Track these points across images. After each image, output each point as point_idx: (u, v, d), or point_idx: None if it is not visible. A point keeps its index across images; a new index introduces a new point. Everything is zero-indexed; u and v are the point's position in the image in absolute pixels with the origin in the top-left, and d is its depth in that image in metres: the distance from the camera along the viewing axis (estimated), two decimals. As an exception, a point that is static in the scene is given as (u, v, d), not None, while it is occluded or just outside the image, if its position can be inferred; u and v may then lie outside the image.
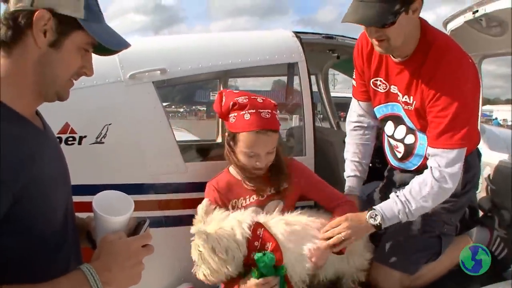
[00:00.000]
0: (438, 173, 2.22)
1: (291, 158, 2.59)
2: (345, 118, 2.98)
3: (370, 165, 4.21)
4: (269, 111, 2.33)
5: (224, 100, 2.40)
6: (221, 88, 4.30)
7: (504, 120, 37.92)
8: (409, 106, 2.37)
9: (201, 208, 2.23)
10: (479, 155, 2.63)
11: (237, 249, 2.13)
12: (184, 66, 2.70)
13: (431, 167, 2.26)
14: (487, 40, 3.26)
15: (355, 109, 2.77)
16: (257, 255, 2.13)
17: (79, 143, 2.45)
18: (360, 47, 2.55)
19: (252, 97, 2.38)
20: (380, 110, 2.56)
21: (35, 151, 1.34)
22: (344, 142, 3.87)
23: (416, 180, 2.29)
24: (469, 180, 2.51)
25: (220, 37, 3.20)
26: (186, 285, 2.61)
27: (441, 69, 2.20)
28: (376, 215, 2.28)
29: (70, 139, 2.44)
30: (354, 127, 2.77)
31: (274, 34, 3.16)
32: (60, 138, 2.40)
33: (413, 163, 2.53)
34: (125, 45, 1.52)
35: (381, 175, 2.94)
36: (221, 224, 2.15)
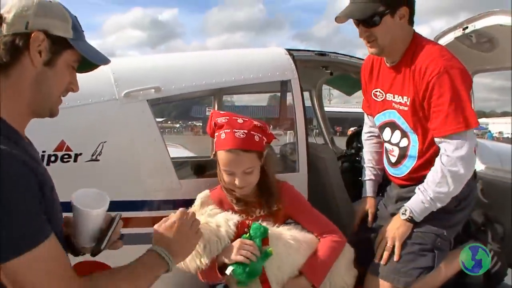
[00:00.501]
0: (445, 158, 2.34)
1: (283, 182, 2.60)
2: (341, 132, 3.08)
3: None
4: (245, 131, 2.37)
5: (212, 120, 2.49)
6: (216, 105, 4.33)
7: (500, 132, 38.08)
8: (403, 107, 2.50)
9: (199, 198, 2.30)
10: (475, 174, 2.67)
11: (217, 243, 2.18)
12: (178, 84, 2.74)
13: (440, 155, 2.38)
14: (478, 56, 3.31)
15: (366, 121, 3.00)
16: (254, 223, 2.26)
17: (75, 160, 2.47)
18: (364, 67, 2.80)
19: (233, 117, 2.45)
20: (379, 118, 2.69)
21: (39, 164, 1.47)
22: (338, 158, 3.91)
23: (430, 170, 2.42)
24: (464, 197, 2.54)
25: (214, 55, 3.24)
26: (181, 301, 2.61)
27: (428, 62, 2.35)
28: (405, 210, 2.47)
29: (66, 156, 2.46)
30: (368, 137, 3.00)
31: (267, 51, 3.20)
32: (56, 155, 2.43)
33: (406, 166, 2.59)
34: (107, 61, 1.66)
35: (378, 191, 2.99)
36: (208, 219, 2.20)
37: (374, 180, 2.91)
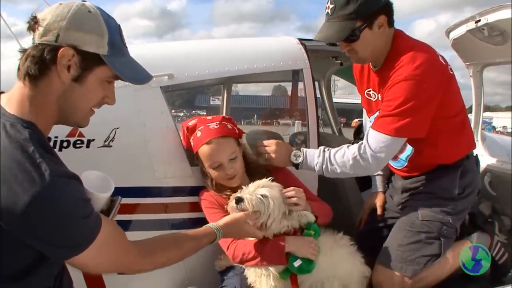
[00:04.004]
0: (363, 148, 2.38)
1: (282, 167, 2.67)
2: (345, 124, 3.09)
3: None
4: (218, 122, 2.51)
5: (184, 132, 2.59)
6: (225, 93, 4.33)
7: (504, 127, 38.02)
8: None
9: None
10: (477, 161, 2.69)
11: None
12: (191, 72, 2.73)
13: (362, 142, 2.40)
14: (489, 49, 3.30)
15: (366, 117, 2.97)
16: (311, 223, 2.34)
17: (87, 146, 2.47)
18: (354, 67, 2.84)
19: (201, 117, 2.58)
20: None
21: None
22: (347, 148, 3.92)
23: (348, 147, 2.44)
24: (467, 184, 2.57)
25: (226, 44, 3.23)
26: (191, 288, 2.64)
27: (396, 69, 2.36)
28: (299, 156, 2.54)
29: (78, 142, 2.46)
30: None
31: (279, 40, 3.18)
32: (68, 141, 2.43)
33: (402, 159, 2.63)
34: (147, 79, 1.66)
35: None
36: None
37: (383, 175, 2.96)
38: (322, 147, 2.51)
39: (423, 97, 2.30)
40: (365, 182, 3.82)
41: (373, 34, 2.36)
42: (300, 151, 2.55)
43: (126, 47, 1.59)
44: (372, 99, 2.68)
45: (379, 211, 2.85)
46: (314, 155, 2.49)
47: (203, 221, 2.57)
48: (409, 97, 2.27)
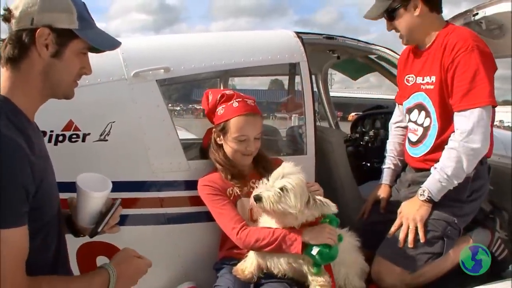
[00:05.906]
0: (460, 133, 2.40)
1: (275, 158, 2.70)
2: (341, 117, 3.10)
3: (368, 164, 4.27)
4: (253, 101, 2.57)
5: (210, 97, 2.57)
6: (222, 87, 4.32)
7: (500, 121, 38.11)
8: (430, 86, 2.61)
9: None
10: (489, 168, 2.70)
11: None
12: (187, 65, 2.72)
13: (455, 130, 2.43)
14: (487, 43, 3.29)
15: (397, 112, 3.09)
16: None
17: (83, 140, 2.47)
18: (401, 56, 2.97)
19: (236, 92, 2.60)
20: (409, 102, 2.77)
21: (40, 147, 1.59)
22: (344, 142, 3.92)
23: (445, 149, 2.46)
24: (476, 189, 2.58)
25: (223, 36, 3.20)
26: (188, 284, 2.62)
27: (457, 39, 2.47)
28: (423, 191, 2.50)
29: (74, 136, 2.45)
30: (395, 127, 3.09)
31: (276, 34, 3.17)
32: (64, 135, 2.43)
33: (426, 145, 2.65)
34: (117, 44, 1.78)
35: (379, 174, 3.05)
36: None
37: (393, 170, 2.98)
38: (432, 168, 2.51)
39: (492, 64, 2.49)
40: (362, 176, 3.82)
41: (409, 15, 2.58)
42: (420, 187, 2.53)
43: (93, 20, 1.70)
44: (408, 84, 2.78)
45: (382, 204, 2.84)
46: (432, 178, 2.49)
47: (199, 215, 2.58)
48: (482, 64, 2.39)
